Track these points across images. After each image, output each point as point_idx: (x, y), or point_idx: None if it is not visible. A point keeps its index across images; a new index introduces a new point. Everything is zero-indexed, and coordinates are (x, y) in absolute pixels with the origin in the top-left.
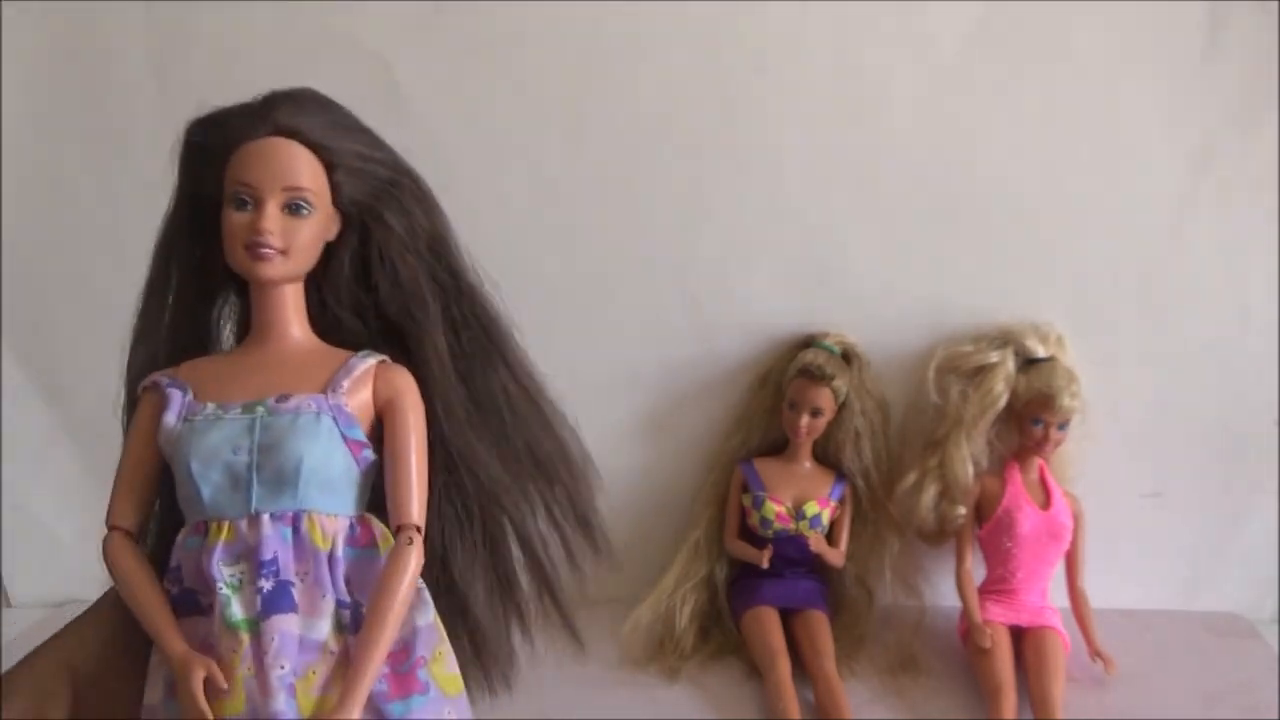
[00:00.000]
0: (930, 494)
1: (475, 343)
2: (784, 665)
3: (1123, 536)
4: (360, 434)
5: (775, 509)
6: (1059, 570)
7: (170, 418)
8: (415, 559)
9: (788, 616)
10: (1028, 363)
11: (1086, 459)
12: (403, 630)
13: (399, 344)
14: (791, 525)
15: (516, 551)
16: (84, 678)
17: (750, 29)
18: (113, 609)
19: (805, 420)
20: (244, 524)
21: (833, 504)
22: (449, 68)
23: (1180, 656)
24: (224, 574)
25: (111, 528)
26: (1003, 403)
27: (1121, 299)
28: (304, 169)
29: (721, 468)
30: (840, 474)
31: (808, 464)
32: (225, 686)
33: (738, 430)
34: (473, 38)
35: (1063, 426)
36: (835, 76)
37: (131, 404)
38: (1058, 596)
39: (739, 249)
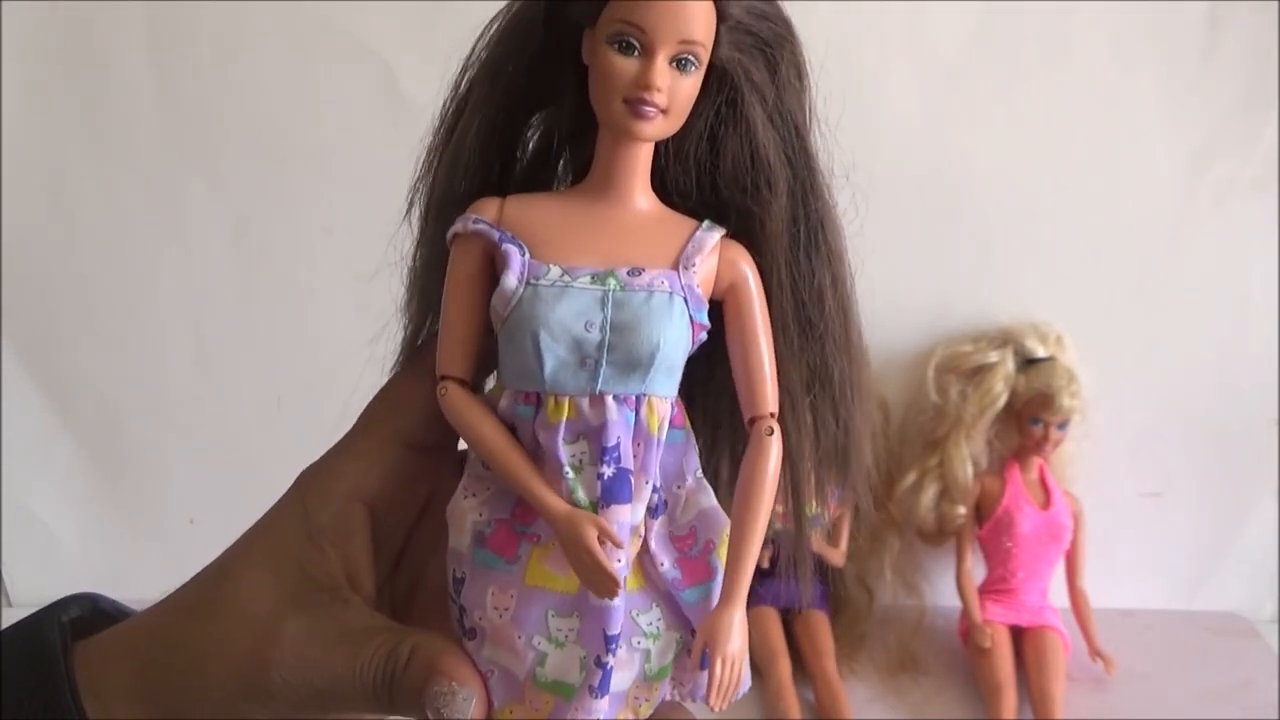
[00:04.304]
0: (930, 494)
1: (810, 237)
2: (784, 665)
3: (1123, 536)
4: (705, 317)
5: (776, 509)
6: (1059, 570)
7: (511, 279)
8: (779, 448)
9: (788, 616)
10: (1027, 362)
11: (1086, 459)
12: (688, 515)
13: (727, 222)
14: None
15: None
16: (377, 516)
17: None
18: (386, 442)
19: None
20: (586, 403)
21: (833, 504)
22: (449, 68)
23: (1180, 656)
24: (567, 455)
25: (444, 378)
26: (1002, 402)
27: (1121, 299)
28: (702, 20)
29: None
30: None
31: None
32: (621, 543)
33: None
34: (473, 38)
35: (1062, 426)
36: (835, 76)
37: (439, 222)
38: (1058, 596)
39: None
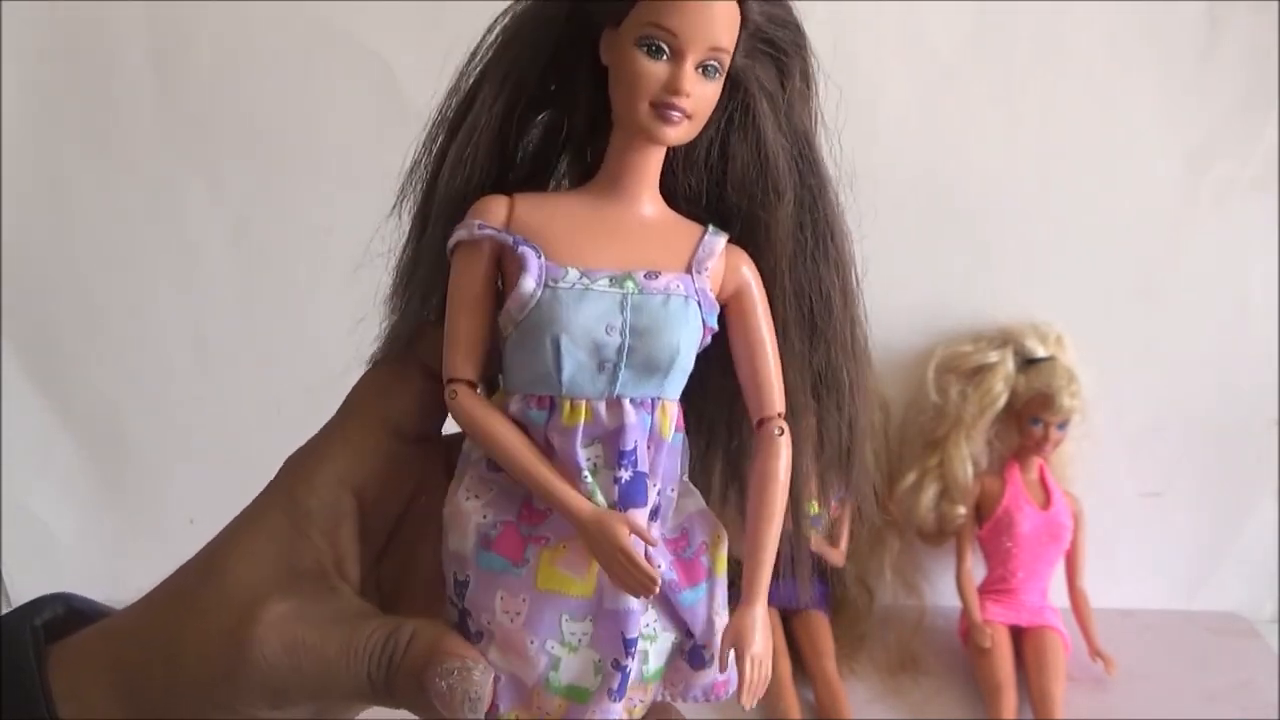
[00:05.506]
0: (930, 494)
1: (818, 243)
2: (784, 665)
3: (1123, 536)
4: (715, 320)
5: None
6: (1059, 570)
7: (529, 282)
8: (789, 448)
9: (788, 616)
10: (1027, 362)
11: (1086, 459)
12: (679, 518)
13: (730, 228)
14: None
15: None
16: (365, 504)
17: None
18: (374, 429)
19: None
20: (602, 406)
21: (833, 504)
22: (449, 68)
23: (1180, 656)
24: (584, 459)
25: (453, 380)
26: (1002, 402)
27: (1121, 299)
28: (730, 27)
29: None
30: None
31: None
32: (655, 540)
33: None
34: (473, 38)
35: (1062, 426)
36: (834, 76)
37: (444, 218)
38: (1058, 596)
39: None
